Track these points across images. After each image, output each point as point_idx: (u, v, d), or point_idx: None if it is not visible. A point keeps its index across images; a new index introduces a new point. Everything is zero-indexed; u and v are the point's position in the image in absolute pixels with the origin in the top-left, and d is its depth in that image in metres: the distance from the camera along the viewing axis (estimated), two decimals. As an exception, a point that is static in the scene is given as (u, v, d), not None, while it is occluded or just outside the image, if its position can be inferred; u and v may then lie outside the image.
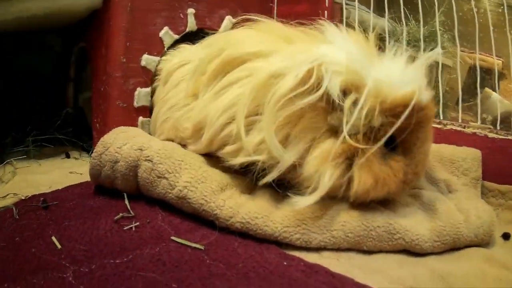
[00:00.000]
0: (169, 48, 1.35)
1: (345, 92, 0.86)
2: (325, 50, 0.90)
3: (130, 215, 0.93)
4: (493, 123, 1.35)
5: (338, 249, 0.90)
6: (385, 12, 1.57)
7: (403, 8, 1.53)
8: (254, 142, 0.89)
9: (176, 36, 1.36)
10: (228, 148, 0.95)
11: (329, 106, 0.87)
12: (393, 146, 0.91)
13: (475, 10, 1.41)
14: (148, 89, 1.32)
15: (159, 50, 1.33)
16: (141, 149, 1.01)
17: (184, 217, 0.95)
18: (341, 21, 1.55)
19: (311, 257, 0.84)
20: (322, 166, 0.86)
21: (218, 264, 0.76)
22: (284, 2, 1.60)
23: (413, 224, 0.92)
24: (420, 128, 0.90)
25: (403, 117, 0.85)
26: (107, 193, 1.03)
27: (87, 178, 1.11)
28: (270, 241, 0.88)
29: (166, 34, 1.33)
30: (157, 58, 1.32)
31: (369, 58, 0.92)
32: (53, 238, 0.83)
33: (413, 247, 0.91)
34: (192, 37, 1.32)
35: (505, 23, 1.37)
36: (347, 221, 0.90)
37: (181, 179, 0.96)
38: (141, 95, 1.30)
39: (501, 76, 1.47)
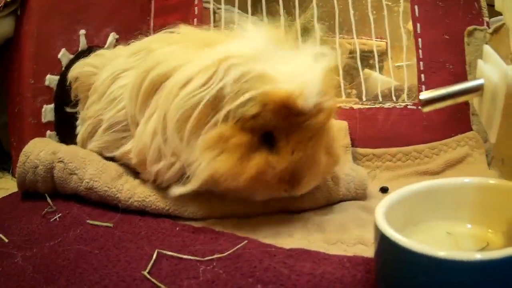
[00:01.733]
0: (66, 66, 1.46)
1: (235, 82, 0.88)
2: (230, 46, 0.95)
3: (53, 209, 1.08)
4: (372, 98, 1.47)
5: (222, 217, 1.00)
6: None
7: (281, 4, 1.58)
8: (170, 152, 0.96)
9: (71, 56, 1.49)
10: (157, 166, 1.00)
11: (221, 97, 0.90)
12: (273, 143, 0.91)
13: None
14: (52, 105, 1.45)
15: (58, 70, 1.46)
16: (54, 153, 1.13)
17: (93, 205, 1.09)
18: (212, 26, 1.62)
19: (198, 224, 0.98)
20: (202, 153, 0.90)
21: (125, 234, 0.93)
22: (158, 15, 1.73)
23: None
24: (302, 131, 0.89)
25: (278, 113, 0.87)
26: (32, 196, 1.17)
27: (12, 191, 1.26)
28: (163, 215, 1.03)
29: (64, 56, 1.47)
30: (57, 77, 1.46)
31: (274, 52, 0.93)
32: (0, 235, 0.96)
33: (287, 205, 1.01)
34: (84, 55, 1.39)
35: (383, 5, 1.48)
36: (228, 203, 1.00)
37: (87, 172, 1.10)
38: (47, 111, 1.44)
39: (384, 56, 1.53)
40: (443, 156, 1.33)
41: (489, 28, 1.36)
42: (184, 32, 1.13)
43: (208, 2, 1.69)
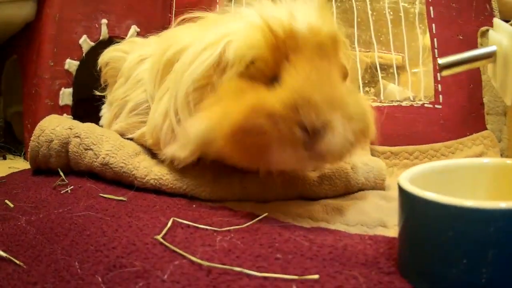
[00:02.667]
0: (87, 53, 1.48)
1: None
2: (230, 24, 0.94)
3: (64, 182, 1.07)
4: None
5: (239, 200, 0.97)
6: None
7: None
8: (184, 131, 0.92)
9: (92, 43, 1.51)
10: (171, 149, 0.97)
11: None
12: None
13: (369, 13, 1.54)
14: (70, 89, 1.46)
15: (79, 55, 1.48)
16: (70, 128, 1.13)
17: (108, 183, 1.08)
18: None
19: (216, 204, 0.95)
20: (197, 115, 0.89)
21: (139, 207, 0.90)
22: (180, 12, 1.67)
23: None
24: (303, 57, 0.80)
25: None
26: (44, 173, 1.16)
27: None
28: (180, 194, 1.00)
29: (85, 42, 1.49)
30: (77, 62, 1.47)
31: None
32: (6, 201, 0.94)
33: (306, 191, 0.99)
34: (105, 45, 1.36)
35: (402, 20, 1.51)
36: (247, 185, 0.98)
37: (103, 148, 1.09)
38: (65, 94, 1.45)
39: (402, 69, 1.54)
40: (459, 154, 1.34)
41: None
42: (207, 16, 1.09)
43: (229, 6, 1.69)
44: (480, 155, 1.31)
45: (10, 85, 1.83)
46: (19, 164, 1.44)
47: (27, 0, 1.46)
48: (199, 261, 0.63)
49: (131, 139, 1.16)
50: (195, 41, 0.96)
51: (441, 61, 0.74)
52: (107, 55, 1.29)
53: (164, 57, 1.01)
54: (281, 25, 0.81)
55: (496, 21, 0.80)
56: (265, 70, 0.82)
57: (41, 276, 0.61)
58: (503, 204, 0.48)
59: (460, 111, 1.36)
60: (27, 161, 1.33)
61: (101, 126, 1.27)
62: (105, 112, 1.32)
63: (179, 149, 0.94)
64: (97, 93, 1.35)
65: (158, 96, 1.02)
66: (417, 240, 0.57)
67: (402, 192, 0.59)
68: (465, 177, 0.71)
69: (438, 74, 1.41)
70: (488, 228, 0.48)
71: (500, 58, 0.72)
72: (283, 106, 0.76)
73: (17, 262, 0.66)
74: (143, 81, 1.12)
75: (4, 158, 1.59)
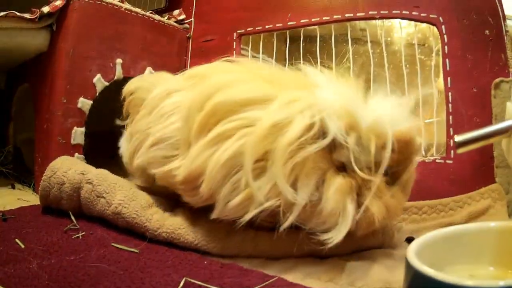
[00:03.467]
0: (101, 92, 1.49)
1: (346, 132, 0.88)
2: (321, 95, 0.92)
3: (76, 227, 1.07)
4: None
5: (250, 257, 0.97)
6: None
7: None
8: (266, 189, 0.88)
9: (106, 83, 1.52)
10: (236, 200, 0.91)
11: (332, 146, 0.88)
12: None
13: (386, 65, 1.55)
14: (83, 129, 1.46)
15: (92, 94, 1.48)
16: (83, 173, 1.13)
17: (119, 231, 1.06)
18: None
19: (226, 260, 0.94)
20: (342, 201, 0.87)
21: (151, 261, 0.90)
22: (196, 55, 1.80)
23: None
24: (410, 161, 0.94)
25: (406, 154, 0.91)
26: (54, 212, 1.16)
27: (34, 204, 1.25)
28: (191, 248, 0.98)
29: (99, 81, 1.49)
30: (90, 102, 1.47)
31: (361, 100, 0.94)
32: (17, 240, 0.95)
33: (316, 249, 0.96)
34: (119, 85, 1.33)
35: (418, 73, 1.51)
36: (259, 243, 0.98)
37: (116, 197, 1.08)
38: (77, 133, 1.45)
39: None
40: (467, 208, 1.33)
41: (514, 78, 1.38)
42: (244, 63, 1.11)
43: (246, 50, 1.72)
44: (487, 208, 1.30)
45: (20, 111, 1.85)
46: (28, 196, 1.44)
47: (40, 30, 1.47)
48: None
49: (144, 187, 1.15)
50: (273, 97, 0.93)
51: (457, 138, 0.76)
52: (134, 84, 1.28)
53: (211, 101, 0.96)
54: (413, 140, 0.92)
55: None
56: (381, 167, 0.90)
57: None
58: (501, 283, 0.51)
59: (471, 165, 1.37)
60: (37, 194, 1.33)
61: (120, 157, 1.28)
62: (124, 144, 1.29)
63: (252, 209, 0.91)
64: (118, 122, 1.31)
65: (207, 139, 0.94)
66: None
67: (407, 264, 0.62)
68: (472, 242, 0.73)
69: (451, 129, 1.41)
70: None
71: None
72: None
73: None
74: (169, 114, 1.09)
75: (13, 188, 1.59)
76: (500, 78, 1.37)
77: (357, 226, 0.89)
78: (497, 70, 1.38)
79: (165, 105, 1.10)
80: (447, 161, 1.38)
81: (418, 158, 1.23)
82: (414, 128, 0.92)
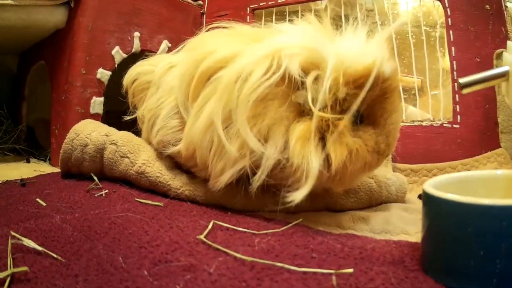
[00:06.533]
0: (119, 64, 1.50)
1: (305, 72, 0.83)
2: (281, 38, 0.89)
3: (98, 186, 1.07)
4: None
5: (271, 211, 0.97)
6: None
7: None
8: (235, 147, 0.87)
9: (124, 55, 1.53)
10: (218, 166, 0.92)
11: (291, 88, 0.84)
12: (359, 119, 0.88)
13: (393, 36, 1.58)
14: (101, 99, 1.47)
15: (111, 65, 1.50)
16: (107, 135, 1.15)
17: (142, 190, 1.08)
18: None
19: (249, 214, 0.95)
20: (305, 150, 0.83)
21: (177, 211, 0.90)
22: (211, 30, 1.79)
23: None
24: (386, 99, 0.88)
25: (366, 87, 0.80)
26: (74, 177, 1.17)
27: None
28: (213, 204, 0.99)
29: (117, 53, 1.51)
30: (109, 73, 1.49)
31: (327, 36, 0.89)
32: (38, 200, 0.95)
33: (333, 203, 1.01)
34: (136, 58, 1.33)
35: (423, 43, 1.58)
36: (278, 199, 0.89)
37: (140, 158, 1.10)
38: (96, 103, 1.46)
39: (422, 91, 1.63)
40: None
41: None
42: (236, 27, 1.09)
43: (259, 25, 1.72)
44: None
45: (34, 91, 1.86)
46: (44, 168, 1.45)
47: (58, 6, 1.48)
48: (243, 257, 0.65)
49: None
50: (236, 53, 0.92)
51: (461, 80, 0.81)
52: (134, 71, 1.26)
53: (200, 68, 0.96)
54: (379, 71, 0.84)
55: (510, 43, 0.87)
56: (350, 107, 0.84)
57: (82, 269, 0.62)
58: (508, 201, 0.55)
59: (476, 130, 1.43)
60: (53, 166, 1.33)
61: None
62: (141, 128, 1.26)
63: (228, 169, 0.91)
64: (127, 118, 1.28)
65: (195, 109, 0.96)
66: (439, 238, 0.63)
67: (427, 196, 0.65)
68: (481, 187, 0.77)
69: (457, 95, 1.47)
70: (501, 223, 0.55)
71: None
72: (387, 148, 0.90)
73: (55, 255, 0.66)
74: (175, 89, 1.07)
75: (28, 162, 1.60)
76: (501, 49, 1.44)
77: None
78: (498, 42, 1.45)
79: (170, 80, 1.11)
80: (454, 126, 1.45)
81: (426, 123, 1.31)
82: (386, 62, 0.86)
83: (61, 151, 1.17)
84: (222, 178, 0.91)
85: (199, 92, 0.97)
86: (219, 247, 0.69)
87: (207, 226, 0.78)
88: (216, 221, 0.81)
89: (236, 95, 0.85)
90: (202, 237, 0.72)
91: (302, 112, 0.85)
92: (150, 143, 1.18)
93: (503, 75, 0.81)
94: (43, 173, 1.32)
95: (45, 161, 1.60)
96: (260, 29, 1.07)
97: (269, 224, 0.86)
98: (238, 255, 0.65)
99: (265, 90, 0.84)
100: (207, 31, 1.13)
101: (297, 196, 0.81)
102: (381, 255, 0.70)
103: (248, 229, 0.80)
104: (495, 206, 0.56)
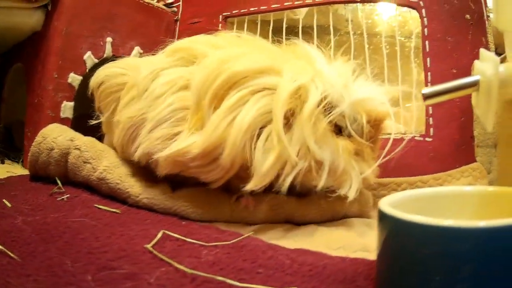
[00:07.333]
0: (90, 69, 1.51)
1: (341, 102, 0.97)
2: (321, 68, 0.99)
3: (61, 190, 1.11)
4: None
5: (227, 221, 1.00)
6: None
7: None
8: (296, 148, 0.91)
9: (96, 60, 1.55)
10: (270, 161, 0.91)
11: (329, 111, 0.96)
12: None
13: (366, 46, 1.55)
14: (72, 103, 1.49)
15: (82, 70, 1.52)
16: (72, 140, 1.17)
17: (103, 196, 1.10)
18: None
19: (205, 224, 0.98)
20: (350, 160, 0.96)
21: (132, 219, 0.94)
22: (182, 36, 1.72)
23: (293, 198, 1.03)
24: (378, 138, 1.06)
25: (382, 126, 1.04)
26: (41, 180, 1.21)
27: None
28: (171, 213, 1.02)
29: (89, 58, 1.53)
30: (80, 77, 1.50)
31: (351, 78, 1.02)
32: (4, 200, 0.98)
33: (293, 215, 1.04)
34: (107, 62, 1.30)
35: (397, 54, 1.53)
36: (236, 208, 1.02)
37: (102, 164, 1.12)
38: (66, 107, 1.48)
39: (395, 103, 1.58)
40: (447, 186, 1.32)
41: (494, 61, 1.38)
42: (228, 37, 1.13)
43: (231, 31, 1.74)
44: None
45: (12, 92, 1.87)
46: (17, 170, 1.48)
47: (36, 10, 1.50)
48: (184, 268, 0.67)
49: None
50: (279, 68, 0.97)
51: (424, 90, 0.78)
52: (101, 74, 1.24)
53: (229, 72, 0.95)
54: (386, 117, 1.04)
55: (482, 51, 0.84)
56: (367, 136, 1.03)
57: (35, 270, 0.65)
58: (482, 223, 0.50)
59: (451, 143, 1.38)
60: (25, 168, 1.37)
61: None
62: (106, 134, 1.30)
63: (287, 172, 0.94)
64: (92, 122, 1.29)
65: (224, 108, 0.94)
66: (394, 259, 0.58)
67: (381, 214, 0.61)
68: (448, 205, 0.73)
69: (430, 108, 1.43)
70: (461, 247, 0.50)
71: (483, 87, 0.76)
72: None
73: (12, 255, 0.70)
74: (165, 96, 1.05)
75: (2, 163, 1.62)
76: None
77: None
78: (477, 52, 1.36)
79: (157, 87, 1.07)
80: (427, 139, 1.39)
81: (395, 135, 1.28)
82: (390, 112, 1.02)
83: (29, 154, 1.20)
84: (283, 184, 0.93)
85: (221, 93, 0.96)
86: (164, 257, 0.72)
87: (157, 235, 0.82)
88: (166, 231, 0.84)
89: (300, 107, 0.94)
90: (149, 246, 0.76)
91: (339, 133, 0.98)
92: (114, 148, 1.19)
93: (473, 84, 0.78)
94: (14, 174, 1.36)
95: (18, 162, 1.63)
96: (269, 45, 1.12)
97: (222, 236, 0.88)
98: (180, 267, 0.68)
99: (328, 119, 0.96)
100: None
101: (351, 194, 0.96)
102: (332, 273, 0.69)
103: (198, 240, 0.82)
104: (454, 228, 0.51)
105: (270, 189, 0.95)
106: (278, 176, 0.93)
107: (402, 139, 1.36)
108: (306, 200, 1.05)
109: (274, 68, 0.96)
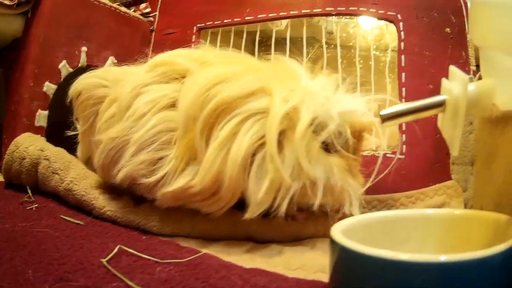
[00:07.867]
0: (64, 79, 1.53)
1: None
2: (308, 86, 0.99)
3: (31, 199, 1.16)
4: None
5: (189, 236, 1.01)
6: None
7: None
8: (289, 171, 0.90)
9: (70, 70, 1.57)
10: (264, 187, 0.90)
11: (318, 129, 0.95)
12: None
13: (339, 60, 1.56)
14: (46, 112, 1.51)
15: (57, 79, 1.54)
16: (42, 150, 1.22)
17: (70, 207, 1.15)
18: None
19: (167, 238, 1.00)
20: (346, 178, 0.96)
21: (94, 232, 0.98)
22: (157, 47, 1.85)
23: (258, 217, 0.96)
24: (359, 150, 1.04)
25: (365, 138, 1.03)
26: (14, 187, 1.26)
27: (-2, 182, 1.32)
28: (133, 227, 1.04)
29: (64, 67, 1.55)
30: (55, 86, 1.52)
31: (334, 92, 1.01)
32: (-27, 210, 1.03)
33: (253, 233, 1.02)
34: (82, 72, 1.26)
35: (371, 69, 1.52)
36: (197, 223, 1.02)
37: (69, 175, 1.16)
38: (41, 116, 1.50)
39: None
40: (419, 204, 1.31)
41: (474, 77, 1.31)
42: (212, 52, 1.11)
43: (204, 44, 1.78)
44: (441, 205, 1.27)
45: (-4, 98, 1.90)
46: (-2, 175, 1.52)
47: (16, 16, 1.52)
48: (134, 286, 0.72)
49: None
50: (271, 89, 0.95)
51: (382, 112, 0.73)
52: (80, 83, 1.21)
53: (215, 98, 0.93)
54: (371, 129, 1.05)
55: (452, 68, 0.77)
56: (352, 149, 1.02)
57: (0, 276, 0.72)
58: (442, 258, 0.49)
59: (425, 161, 1.35)
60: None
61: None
62: (80, 149, 1.29)
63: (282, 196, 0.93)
64: (70, 133, 1.30)
65: (219, 141, 0.91)
66: (342, 286, 0.58)
67: (331, 240, 0.60)
68: (412, 229, 0.72)
69: (404, 124, 1.39)
70: (413, 281, 0.49)
71: (449, 108, 0.71)
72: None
73: None
74: (148, 116, 1.02)
75: (-20, 168, 1.66)
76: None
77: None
78: (456, 67, 1.35)
79: (139, 106, 1.03)
80: (399, 156, 1.35)
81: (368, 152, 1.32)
82: (374, 121, 1.01)
83: (3, 162, 1.26)
84: (279, 208, 0.93)
85: (210, 123, 0.94)
86: (116, 272, 0.76)
87: (114, 249, 0.86)
88: (123, 246, 0.88)
89: (293, 129, 0.93)
90: (104, 261, 0.80)
91: (326, 147, 0.96)
92: (86, 159, 1.23)
93: (439, 105, 0.72)
94: (-6, 180, 1.40)
95: (-1, 168, 1.67)
96: (261, 62, 1.10)
97: (179, 252, 0.89)
98: (131, 284, 0.71)
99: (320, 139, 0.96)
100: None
101: (356, 211, 0.95)
102: (284, 297, 0.67)
103: (153, 256, 0.85)
104: (403, 261, 0.49)
105: (268, 214, 0.96)
106: (274, 199, 0.92)
107: (372, 156, 1.36)
108: (267, 220, 1.02)
109: (264, 89, 0.94)
